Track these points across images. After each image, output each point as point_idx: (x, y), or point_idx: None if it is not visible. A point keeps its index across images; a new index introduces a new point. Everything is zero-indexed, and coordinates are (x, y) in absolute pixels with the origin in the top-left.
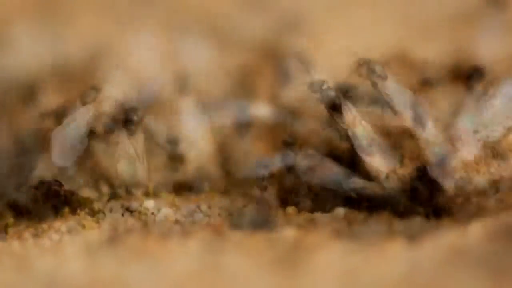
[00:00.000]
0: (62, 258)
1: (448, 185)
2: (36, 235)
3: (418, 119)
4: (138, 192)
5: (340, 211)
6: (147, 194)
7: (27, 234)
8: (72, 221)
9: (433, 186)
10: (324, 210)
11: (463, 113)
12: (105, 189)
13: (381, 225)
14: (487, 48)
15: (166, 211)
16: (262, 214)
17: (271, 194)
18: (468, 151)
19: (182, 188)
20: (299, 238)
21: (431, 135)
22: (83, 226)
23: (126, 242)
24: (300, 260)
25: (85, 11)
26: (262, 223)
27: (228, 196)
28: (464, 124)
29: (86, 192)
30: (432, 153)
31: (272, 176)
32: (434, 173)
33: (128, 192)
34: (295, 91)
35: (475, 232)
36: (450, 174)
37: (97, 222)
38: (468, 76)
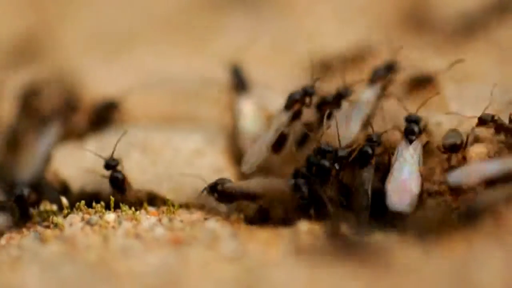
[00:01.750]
0: (21, 273)
1: None
2: None
3: None
4: (99, 205)
5: (304, 225)
6: (107, 207)
7: None
8: (31, 235)
9: None
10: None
11: None
12: (64, 201)
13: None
14: None
15: (127, 225)
16: (224, 228)
17: (233, 208)
18: None
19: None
20: (262, 253)
21: None
22: (42, 240)
23: (86, 257)
24: (262, 275)
25: None
26: (225, 237)
27: (188, 209)
28: None
29: (46, 205)
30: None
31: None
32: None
33: (89, 205)
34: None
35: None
36: None
37: (56, 236)
38: None
